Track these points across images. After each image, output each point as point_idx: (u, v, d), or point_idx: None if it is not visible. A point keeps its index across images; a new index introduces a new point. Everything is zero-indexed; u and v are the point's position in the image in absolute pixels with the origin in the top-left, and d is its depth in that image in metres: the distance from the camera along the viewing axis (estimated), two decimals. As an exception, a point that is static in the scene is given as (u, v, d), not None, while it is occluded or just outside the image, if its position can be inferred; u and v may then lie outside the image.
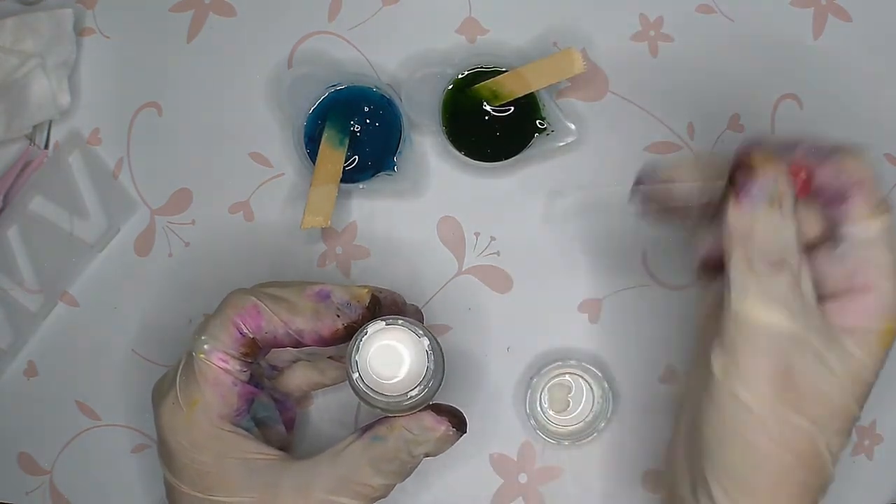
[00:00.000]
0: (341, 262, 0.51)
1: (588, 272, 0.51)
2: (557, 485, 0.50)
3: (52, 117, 0.52)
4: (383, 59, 0.52)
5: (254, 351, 0.41)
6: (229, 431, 0.40)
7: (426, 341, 0.38)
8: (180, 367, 0.41)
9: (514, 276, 0.51)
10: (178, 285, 0.52)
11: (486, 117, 0.49)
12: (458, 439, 0.41)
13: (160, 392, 0.42)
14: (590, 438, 0.48)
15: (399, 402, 0.38)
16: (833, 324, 0.36)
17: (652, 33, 0.52)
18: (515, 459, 0.50)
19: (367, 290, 0.41)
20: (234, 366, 0.40)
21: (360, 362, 0.38)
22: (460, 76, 0.50)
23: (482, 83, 0.49)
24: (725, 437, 0.36)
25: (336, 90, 0.50)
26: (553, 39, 0.52)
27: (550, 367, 0.48)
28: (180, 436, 0.40)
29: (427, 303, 0.51)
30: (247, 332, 0.40)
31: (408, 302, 0.45)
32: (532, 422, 0.48)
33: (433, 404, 0.41)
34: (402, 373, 0.38)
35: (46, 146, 0.53)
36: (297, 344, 0.41)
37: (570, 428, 0.49)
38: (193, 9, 0.53)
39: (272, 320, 0.40)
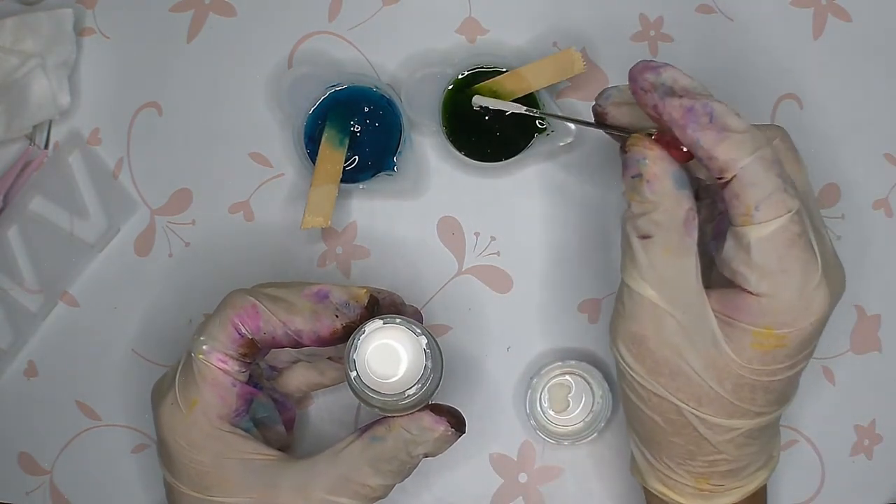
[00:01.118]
0: (341, 262, 0.51)
1: (588, 272, 0.51)
2: (557, 485, 0.50)
3: (52, 117, 0.52)
4: (383, 59, 0.52)
5: (253, 351, 0.41)
6: (228, 432, 0.40)
7: (424, 340, 0.38)
8: (179, 367, 0.41)
9: (514, 276, 0.51)
10: (178, 285, 0.52)
11: (486, 117, 0.49)
12: (456, 439, 0.41)
13: (159, 392, 0.42)
14: (590, 438, 0.48)
15: (397, 400, 0.38)
16: (716, 310, 0.36)
17: (652, 33, 0.52)
18: (515, 459, 0.50)
19: (365, 291, 0.41)
20: (233, 366, 0.40)
21: (359, 361, 0.38)
22: (460, 76, 0.50)
23: (482, 83, 0.49)
24: (621, 392, 0.40)
25: (336, 90, 0.50)
26: (553, 39, 0.52)
27: (550, 367, 0.48)
28: (179, 436, 0.40)
29: (427, 303, 0.51)
30: (245, 332, 0.40)
31: (407, 302, 0.45)
32: (532, 422, 0.48)
33: (432, 404, 0.41)
34: (400, 371, 0.38)
35: (46, 146, 0.53)
36: (296, 344, 0.41)
37: (570, 428, 0.49)
38: (193, 9, 0.53)
39: (271, 321, 0.40)
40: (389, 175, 0.50)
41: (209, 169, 0.52)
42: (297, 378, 0.46)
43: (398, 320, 0.38)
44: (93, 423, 0.52)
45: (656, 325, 0.36)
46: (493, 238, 0.51)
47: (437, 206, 0.51)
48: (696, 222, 0.36)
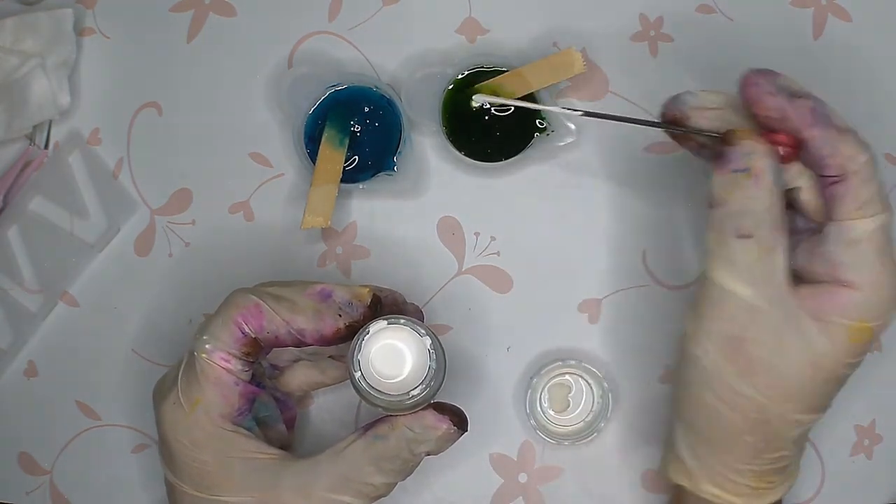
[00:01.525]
0: (341, 262, 0.51)
1: (588, 272, 0.51)
2: (557, 485, 0.50)
3: (52, 117, 0.52)
4: (383, 59, 0.52)
5: (255, 350, 0.41)
6: (230, 431, 0.40)
7: (428, 340, 0.38)
8: (182, 366, 0.41)
9: (514, 276, 0.51)
10: (178, 285, 0.52)
11: (486, 117, 0.49)
12: (459, 438, 0.41)
13: (161, 391, 0.42)
14: (590, 438, 0.48)
15: (401, 401, 0.38)
16: (805, 307, 0.37)
17: (652, 33, 0.52)
18: (515, 459, 0.50)
19: (368, 290, 0.41)
20: (235, 365, 0.40)
21: (363, 361, 0.38)
22: (460, 76, 0.50)
23: (482, 83, 0.49)
24: (684, 391, 0.39)
25: (336, 90, 0.50)
26: (553, 39, 0.52)
27: (550, 367, 0.48)
28: (181, 435, 0.40)
29: (427, 303, 0.51)
30: (248, 331, 0.40)
31: (408, 301, 0.45)
32: (532, 422, 0.48)
33: (434, 403, 0.41)
34: (405, 372, 0.38)
35: (46, 146, 0.53)
36: (299, 343, 0.41)
37: (570, 428, 0.49)
38: (193, 9, 0.53)
39: (274, 320, 0.40)
40: (389, 175, 0.50)
41: (209, 169, 0.52)
42: (298, 377, 0.46)
43: (402, 321, 0.38)
44: (93, 423, 0.52)
45: (755, 325, 0.36)
46: (493, 238, 0.51)
47: (437, 206, 0.51)
48: (786, 221, 0.37)
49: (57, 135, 0.53)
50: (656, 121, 0.42)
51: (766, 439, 0.38)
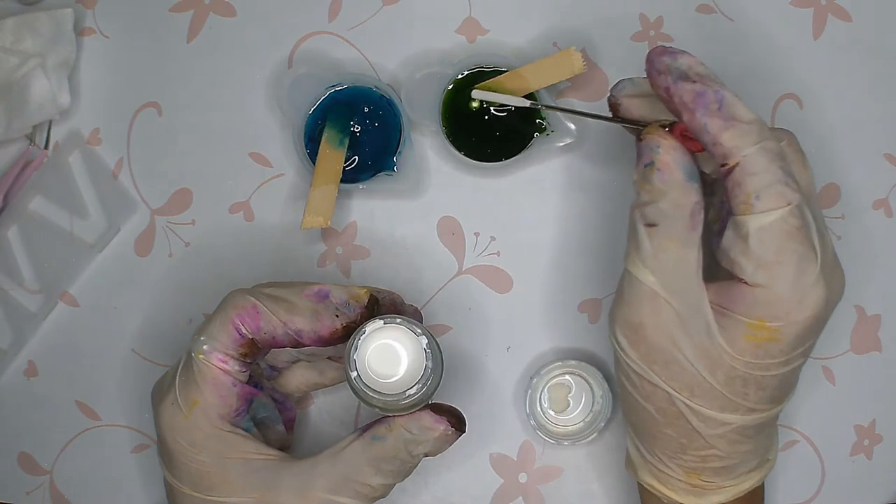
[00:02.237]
0: (341, 262, 0.51)
1: (588, 272, 0.51)
2: (557, 485, 0.50)
3: (52, 117, 0.52)
4: (383, 59, 0.52)
5: (253, 351, 0.41)
6: (229, 432, 0.40)
7: (424, 340, 0.38)
8: (180, 367, 0.41)
9: (514, 276, 0.51)
10: (178, 285, 0.52)
11: (486, 117, 0.49)
12: (456, 439, 0.41)
13: (159, 392, 0.42)
14: (590, 438, 0.48)
15: (397, 400, 0.38)
16: (713, 301, 0.36)
17: (652, 33, 0.52)
18: (515, 459, 0.50)
19: (365, 290, 0.41)
20: (233, 366, 0.40)
21: (359, 361, 0.38)
22: (460, 76, 0.50)
23: (482, 83, 0.49)
24: (617, 381, 0.40)
25: (336, 90, 0.50)
26: (553, 39, 0.52)
27: (550, 367, 0.48)
28: (180, 436, 0.40)
29: (427, 303, 0.51)
30: (246, 332, 0.40)
31: (407, 302, 0.45)
32: (532, 422, 0.48)
33: (432, 404, 0.41)
34: (401, 371, 0.38)
35: (46, 146, 0.53)
36: (297, 344, 0.41)
37: (570, 428, 0.49)
38: (193, 9, 0.53)
39: (271, 321, 0.40)
40: (389, 175, 0.50)
41: (209, 169, 0.52)
42: (296, 378, 0.46)
43: (398, 320, 0.38)
44: (93, 423, 0.52)
45: (654, 312, 0.36)
46: (493, 238, 0.51)
47: (437, 206, 0.51)
48: (701, 216, 0.36)
49: (57, 135, 0.53)
50: (604, 115, 0.42)
51: (687, 435, 0.38)
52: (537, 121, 0.49)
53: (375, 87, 0.50)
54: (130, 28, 0.54)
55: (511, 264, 0.51)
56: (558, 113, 0.49)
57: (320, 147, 0.49)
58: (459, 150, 0.49)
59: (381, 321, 0.38)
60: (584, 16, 0.52)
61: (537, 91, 0.49)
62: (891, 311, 0.50)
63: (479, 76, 0.49)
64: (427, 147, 0.52)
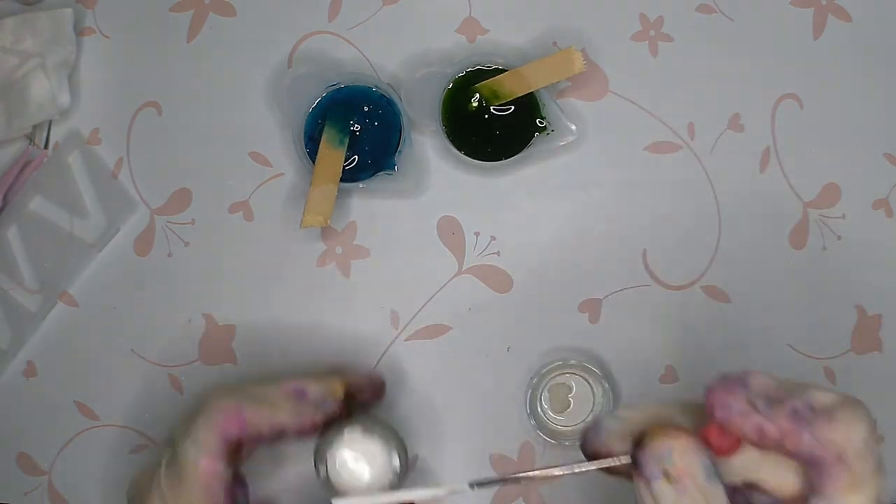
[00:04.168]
0: (341, 261, 0.51)
1: (588, 272, 0.51)
2: (557, 485, 0.49)
3: (52, 117, 0.52)
4: (383, 59, 0.52)
5: (238, 450, 0.41)
6: None
7: (396, 460, 0.40)
8: (163, 467, 0.41)
9: (514, 276, 0.51)
10: (177, 285, 0.52)
11: (486, 116, 0.49)
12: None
13: (140, 491, 0.42)
14: (590, 438, 0.48)
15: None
16: None
17: (652, 33, 0.52)
18: (515, 459, 0.50)
19: (340, 384, 0.42)
20: (220, 467, 0.40)
21: (329, 462, 0.40)
22: (460, 75, 0.50)
23: (482, 83, 0.49)
24: None
25: (336, 90, 0.50)
26: (553, 39, 0.52)
27: (550, 367, 0.48)
28: None
29: (427, 303, 0.51)
30: (232, 435, 0.40)
31: (373, 375, 0.45)
32: (532, 422, 0.48)
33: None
34: (367, 478, 0.39)
35: (46, 146, 0.53)
36: (279, 439, 0.41)
37: (570, 428, 0.49)
38: (193, 9, 0.53)
39: (256, 421, 0.40)
40: (389, 174, 0.50)
41: (209, 169, 0.52)
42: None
43: (377, 431, 0.40)
44: (92, 423, 0.52)
45: None
46: (493, 238, 0.51)
47: (437, 206, 0.51)
48: None
49: (57, 135, 0.53)
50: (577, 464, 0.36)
51: None
52: (537, 120, 0.49)
53: (375, 86, 0.50)
54: (130, 28, 0.54)
55: (511, 264, 0.51)
56: (562, 116, 0.49)
57: (320, 146, 0.49)
58: (459, 149, 0.49)
59: (360, 429, 0.40)
60: (584, 16, 0.52)
61: (537, 90, 0.49)
62: (891, 311, 0.50)
63: (478, 76, 0.49)
64: (427, 147, 0.52)
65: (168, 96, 0.53)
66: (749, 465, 0.33)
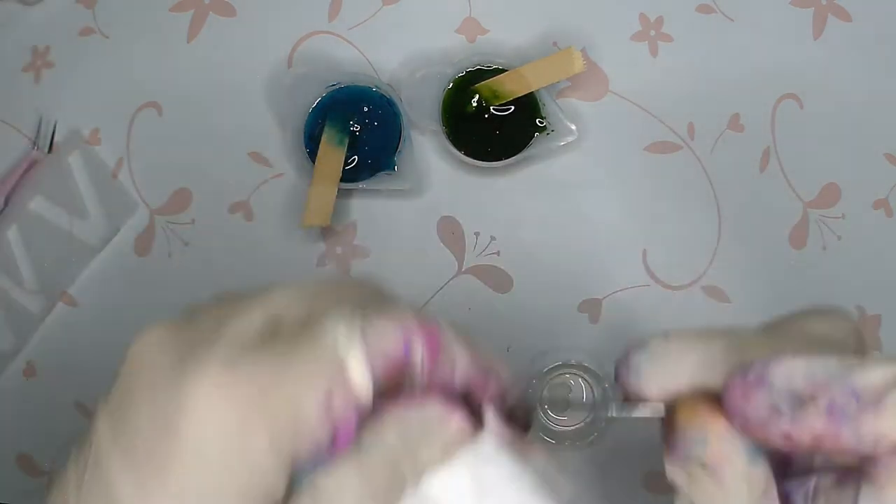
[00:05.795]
0: (341, 261, 0.51)
1: (588, 272, 0.51)
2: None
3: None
4: (383, 59, 0.52)
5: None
6: None
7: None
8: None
9: (514, 276, 0.51)
10: (177, 285, 0.52)
11: (486, 117, 0.49)
12: (471, 440, 0.32)
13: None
14: (590, 439, 0.48)
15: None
16: None
17: (652, 33, 0.52)
18: (515, 460, 0.50)
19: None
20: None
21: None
22: (460, 75, 0.50)
23: (482, 83, 0.49)
24: None
25: (336, 90, 0.50)
26: (553, 39, 0.52)
27: (550, 367, 0.48)
28: None
29: (427, 303, 0.51)
30: (412, 357, 0.27)
31: (413, 308, 0.40)
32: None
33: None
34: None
35: (50, 150, 0.53)
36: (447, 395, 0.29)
37: (570, 428, 0.49)
38: (193, 9, 0.53)
39: (454, 353, 0.29)
40: (389, 175, 0.50)
41: (209, 169, 0.52)
42: None
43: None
44: (92, 423, 0.51)
45: None
46: (493, 238, 0.51)
47: (437, 206, 0.51)
48: (774, 492, 0.28)
49: (57, 135, 0.53)
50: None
51: None
52: (537, 120, 0.49)
53: (375, 86, 0.50)
54: (130, 28, 0.54)
55: (511, 264, 0.51)
56: (562, 116, 0.49)
57: (320, 146, 0.49)
58: (459, 149, 0.49)
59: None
60: (584, 16, 0.52)
61: (537, 90, 0.49)
62: (891, 311, 0.50)
63: (478, 76, 0.49)
64: (427, 147, 0.52)
65: (168, 96, 0.53)
66: None
